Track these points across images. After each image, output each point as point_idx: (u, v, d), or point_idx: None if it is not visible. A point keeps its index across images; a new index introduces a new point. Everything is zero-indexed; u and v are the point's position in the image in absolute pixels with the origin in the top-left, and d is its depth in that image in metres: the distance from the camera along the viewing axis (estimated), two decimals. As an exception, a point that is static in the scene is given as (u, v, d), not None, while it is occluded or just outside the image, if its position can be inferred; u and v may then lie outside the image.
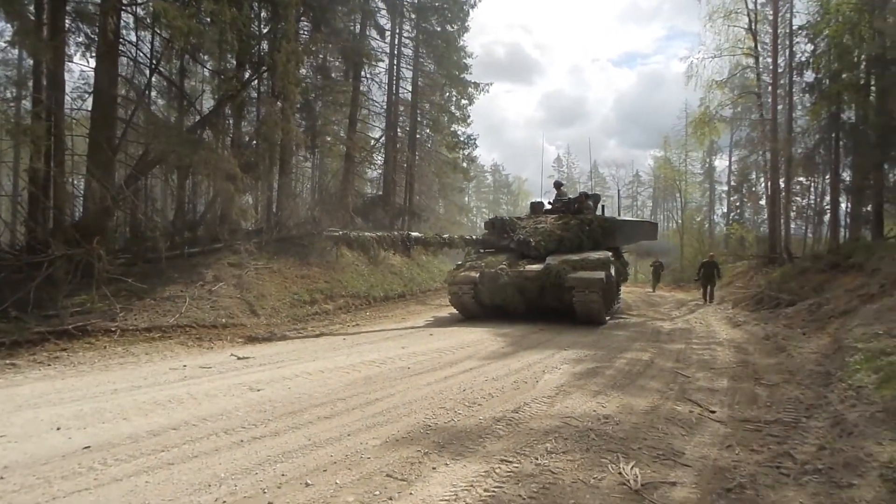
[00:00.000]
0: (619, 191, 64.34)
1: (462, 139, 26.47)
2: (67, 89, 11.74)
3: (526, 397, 5.63)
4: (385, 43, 22.68)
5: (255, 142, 14.85)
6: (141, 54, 13.54)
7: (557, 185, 16.74)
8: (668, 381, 6.71)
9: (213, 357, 7.71)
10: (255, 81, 15.31)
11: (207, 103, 16.45)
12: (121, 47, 12.09)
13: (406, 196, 24.29)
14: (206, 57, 14.23)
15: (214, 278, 11.34)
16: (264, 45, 14.84)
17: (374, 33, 21.61)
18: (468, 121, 26.15)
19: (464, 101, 25.76)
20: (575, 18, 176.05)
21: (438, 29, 23.72)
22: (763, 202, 27.35)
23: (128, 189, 11.62)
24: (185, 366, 6.98)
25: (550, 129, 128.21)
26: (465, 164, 28.17)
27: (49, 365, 6.93)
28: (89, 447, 3.95)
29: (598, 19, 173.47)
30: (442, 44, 23.55)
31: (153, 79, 13.74)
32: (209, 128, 13.90)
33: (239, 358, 7.55)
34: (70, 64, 12.22)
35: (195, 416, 4.78)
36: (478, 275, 12.08)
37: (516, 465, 3.83)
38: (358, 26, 20.31)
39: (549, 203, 15.89)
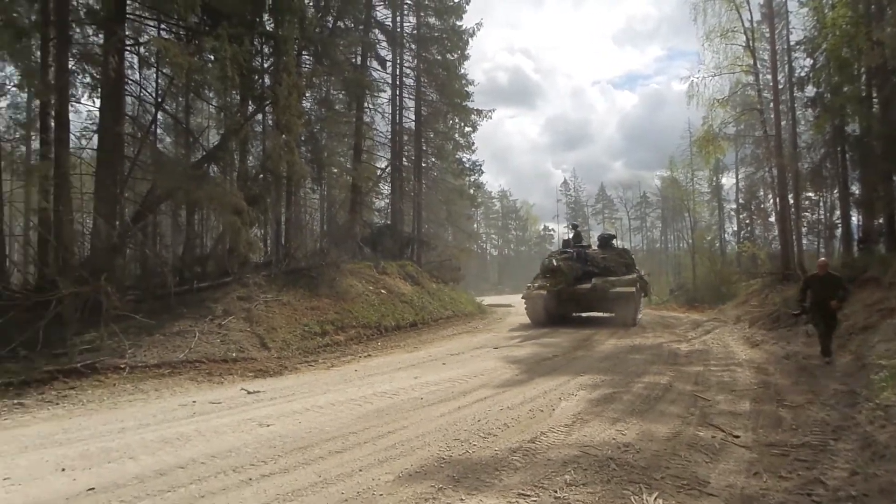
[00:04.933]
0: (627, 213, 64.50)
1: (468, 166, 26.60)
2: (74, 129, 11.87)
3: (542, 426, 5.47)
4: (386, 73, 22.93)
5: (261, 175, 14.89)
6: (146, 93, 13.67)
7: (574, 227, 22.49)
8: (688, 405, 6.52)
9: (223, 392, 7.59)
10: (259, 115, 15.41)
11: (213, 139, 16.58)
12: (125, 86, 12.21)
13: (414, 224, 24.26)
14: (210, 93, 14.37)
15: (224, 312, 11.24)
16: (266, 80, 14.97)
17: (375, 64, 21.89)
18: (473, 147, 26.27)
19: (467, 129, 25.84)
20: (573, 42, 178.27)
21: (439, 58, 23.92)
22: (773, 219, 27.08)
23: (135, 226, 11.63)
24: (194, 402, 6.86)
25: (556, 152, 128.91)
26: (471, 191, 28.21)
27: (57, 404, 6.82)
28: (94, 489, 3.85)
29: (595, 42, 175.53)
30: (443, 72, 23.74)
31: (158, 116, 13.87)
32: (215, 163, 13.94)
33: (249, 392, 7.42)
34: (77, 105, 12.39)
35: (204, 453, 4.66)
36: (545, 292, 16.49)
37: (535, 499, 3.68)
38: (359, 58, 20.52)
39: (573, 240, 20.45)
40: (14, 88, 12.07)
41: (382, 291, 16.01)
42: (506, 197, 74.57)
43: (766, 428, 5.52)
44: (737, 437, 5.20)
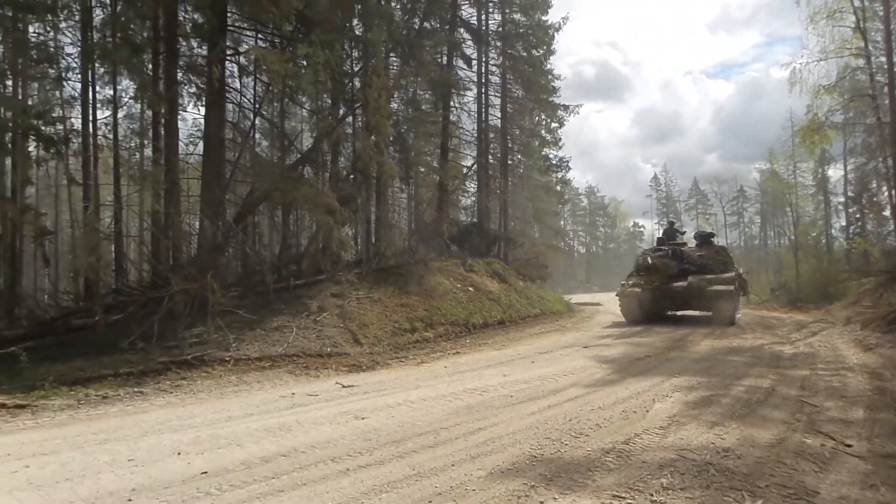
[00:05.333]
0: (723, 208, 61.55)
1: (554, 162, 26.22)
2: (182, 136, 12.75)
3: (636, 428, 5.32)
4: (472, 72, 22.95)
5: (351, 176, 15.37)
6: (245, 99, 14.46)
7: (671, 224, 22.32)
8: (793, 410, 6.14)
9: (320, 385, 7.89)
10: (350, 117, 15.89)
11: (306, 141, 17.27)
12: (227, 94, 12.92)
13: (501, 222, 24.23)
14: (303, 98, 14.97)
15: (319, 309, 11.69)
16: (356, 83, 15.42)
17: (460, 63, 21.90)
18: (559, 144, 25.85)
19: (554, 125, 25.46)
20: (663, 32, 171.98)
21: (524, 54, 23.69)
22: (887, 213, 24.99)
23: (237, 226, 12.30)
24: (293, 394, 7.18)
25: (646, 146, 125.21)
26: (558, 188, 27.86)
27: (171, 393, 7.35)
28: (206, 472, 4.10)
29: (687, 31, 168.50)
30: (528, 69, 23.49)
31: (256, 121, 14.61)
32: (309, 164, 14.52)
33: (344, 386, 7.68)
34: (184, 113, 13.27)
35: (304, 443, 4.86)
36: (640, 289, 16.39)
37: (630, 501, 3.59)
38: (445, 57, 20.68)
39: (667, 237, 20.19)
40: (129, 100, 13.14)
41: (470, 289, 16.10)
42: (593, 193, 73.08)
43: (883, 437, 5.12)
44: (849, 445, 4.85)
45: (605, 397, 6.73)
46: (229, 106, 13.71)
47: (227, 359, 8.90)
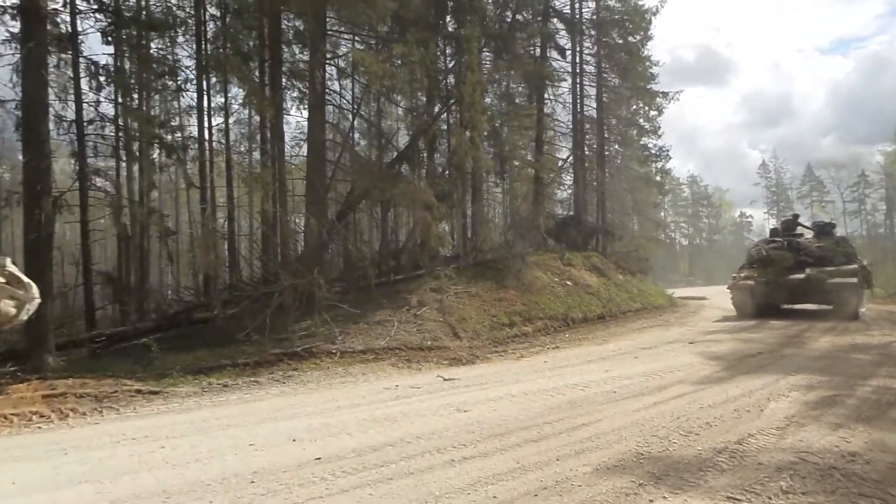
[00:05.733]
0: (841, 195, 57.07)
1: (653, 152, 25.37)
2: (286, 139, 13.39)
3: (750, 427, 5.03)
4: (566, 62, 22.51)
5: (447, 172, 15.55)
6: (344, 101, 15.02)
7: (795, 216, 20.87)
8: (931, 414, 5.62)
9: (422, 378, 8.05)
10: (445, 114, 16.07)
11: (403, 139, 17.62)
12: (327, 97, 13.45)
13: (598, 214, 23.71)
14: (399, 97, 15.29)
15: (418, 303, 11.94)
16: (450, 79, 15.56)
17: (554, 54, 21.53)
18: (659, 132, 25.02)
19: (652, 113, 24.69)
20: (770, 8, 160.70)
21: (620, 42, 22.96)
22: None
23: (339, 224, 12.78)
24: (397, 386, 7.38)
25: (752, 131, 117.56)
26: (658, 178, 26.89)
27: (284, 383, 7.77)
28: (320, 458, 4.30)
29: (797, 6, 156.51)
30: (625, 56, 22.78)
31: (355, 122, 15.08)
32: (406, 162, 14.86)
33: (445, 379, 7.79)
34: (287, 116, 13.95)
35: (409, 433, 4.98)
36: (753, 282, 15.77)
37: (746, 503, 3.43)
38: (538, 49, 20.45)
39: (783, 228, 19.64)
40: (238, 107, 13.97)
41: (568, 283, 15.88)
42: (696, 182, 69.65)
43: None
44: None
45: (715, 395, 6.43)
46: (329, 108, 14.28)
47: (334, 351, 9.31)
